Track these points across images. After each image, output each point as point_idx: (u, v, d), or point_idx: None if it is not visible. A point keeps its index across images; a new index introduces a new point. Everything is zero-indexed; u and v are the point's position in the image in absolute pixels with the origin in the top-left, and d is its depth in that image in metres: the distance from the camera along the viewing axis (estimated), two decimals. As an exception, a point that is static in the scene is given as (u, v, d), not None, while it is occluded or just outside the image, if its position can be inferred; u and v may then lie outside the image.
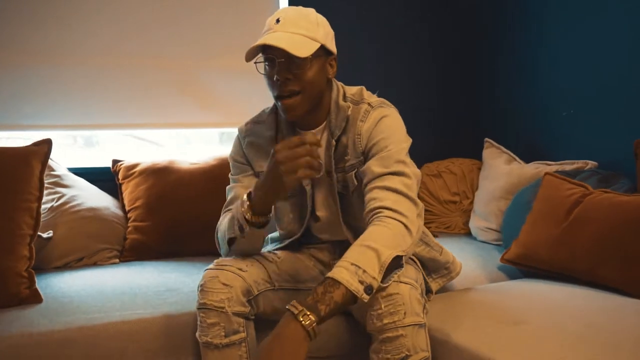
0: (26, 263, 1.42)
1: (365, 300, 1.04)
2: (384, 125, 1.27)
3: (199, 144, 2.53)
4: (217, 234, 1.37)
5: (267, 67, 1.26)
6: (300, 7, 1.28)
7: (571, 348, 1.01)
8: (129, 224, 1.94)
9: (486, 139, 2.30)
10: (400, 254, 1.08)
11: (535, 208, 1.66)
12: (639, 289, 1.31)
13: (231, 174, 1.44)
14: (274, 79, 1.22)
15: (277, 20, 1.24)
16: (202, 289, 1.22)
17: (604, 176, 1.75)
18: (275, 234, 1.54)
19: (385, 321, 1.05)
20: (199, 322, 1.23)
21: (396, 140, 1.24)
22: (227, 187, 1.43)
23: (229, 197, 1.41)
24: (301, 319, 0.99)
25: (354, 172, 1.30)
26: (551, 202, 1.60)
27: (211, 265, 1.27)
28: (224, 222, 1.32)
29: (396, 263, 1.09)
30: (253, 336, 1.26)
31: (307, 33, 1.22)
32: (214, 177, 2.01)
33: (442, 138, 2.51)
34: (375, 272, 1.05)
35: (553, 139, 2.10)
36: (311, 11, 1.28)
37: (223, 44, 2.32)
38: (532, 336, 1.09)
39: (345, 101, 1.32)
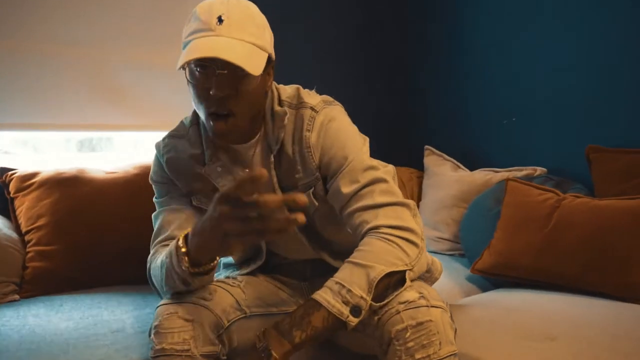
0: None
1: (353, 324, 0.89)
2: (334, 132, 1.06)
3: (102, 149, 2.17)
4: (149, 275, 1.08)
5: (197, 74, 0.98)
6: (239, 0, 1.00)
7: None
8: (28, 249, 1.54)
9: (426, 146, 2.24)
10: (400, 269, 0.92)
11: (505, 215, 1.60)
12: (630, 293, 1.30)
13: (156, 198, 1.17)
14: (211, 92, 0.95)
15: (220, 20, 0.96)
16: (158, 330, 0.95)
17: (557, 182, 1.76)
18: (228, 259, 1.29)
19: (418, 356, 0.87)
20: None
21: (352, 147, 1.05)
22: (153, 215, 1.16)
23: (156, 226, 1.13)
24: (264, 353, 0.88)
25: (310, 190, 1.08)
26: (524, 208, 1.56)
27: (165, 299, 1.00)
28: (156, 265, 1.02)
29: (397, 280, 0.93)
30: None
31: (256, 41, 0.97)
32: (136, 188, 1.68)
33: (376, 146, 2.41)
34: (364, 290, 0.89)
35: (495, 146, 2.10)
36: (254, 8, 1.02)
37: (132, 32, 2.00)
38: (569, 353, 0.98)
39: (281, 106, 1.09)
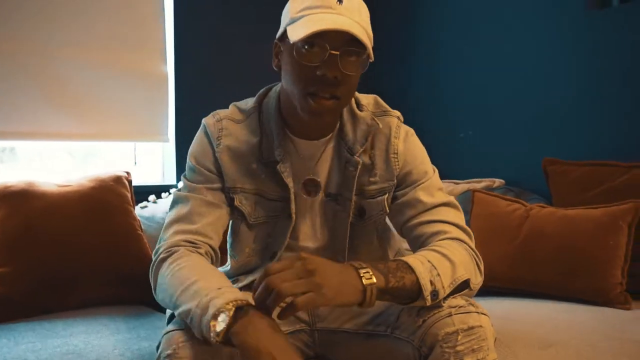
0: None
1: (426, 304, 0.91)
2: (417, 145, 1.11)
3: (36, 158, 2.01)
4: (154, 269, 0.99)
5: (305, 53, 0.95)
6: None
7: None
8: (-27, 272, 1.37)
9: (385, 159, 2.28)
10: (470, 280, 0.96)
11: (474, 226, 1.65)
12: (602, 297, 1.39)
13: (187, 178, 1.09)
14: (319, 72, 0.94)
15: (340, 0, 0.96)
16: (172, 358, 0.86)
17: (517, 193, 1.86)
18: (225, 267, 1.22)
19: None
20: None
21: (429, 164, 1.12)
22: (178, 193, 1.08)
23: (181, 208, 1.04)
24: (362, 274, 0.86)
25: (385, 196, 1.08)
26: (493, 219, 1.63)
27: (174, 325, 0.92)
28: (176, 276, 0.92)
29: (462, 288, 0.95)
30: None
31: (368, 30, 0.98)
32: (94, 202, 1.57)
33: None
34: (447, 282, 0.92)
35: (453, 159, 2.18)
36: (363, 2, 1.02)
37: (89, 42, 1.90)
38: (569, 357, 1.03)
39: (361, 110, 1.10)
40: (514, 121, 2.05)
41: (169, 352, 0.87)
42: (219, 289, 0.86)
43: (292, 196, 1.09)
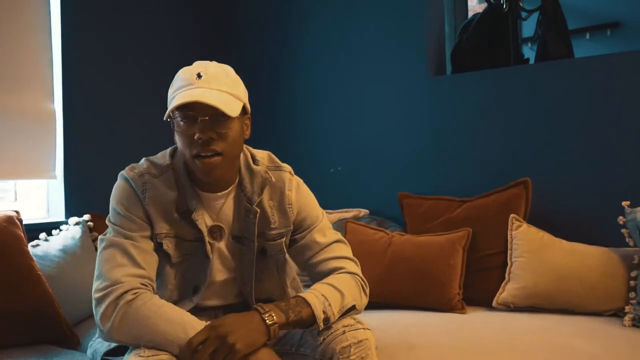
0: None
1: (320, 329, 1.16)
2: (307, 195, 1.35)
3: None
4: (118, 316, 1.11)
5: (183, 124, 1.17)
6: (216, 63, 1.23)
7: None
8: None
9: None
10: (356, 305, 1.22)
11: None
12: (447, 305, 1.78)
13: (117, 224, 1.21)
14: (195, 137, 1.15)
15: (199, 75, 1.17)
16: None
17: (379, 221, 2.23)
18: None
19: None
20: None
21: (318, 209, 1.36)
22: (111, 239, 1.19)
23: (118, 253, 1.16)
24: (266, 317, 1.10)
25: (282, 239, 1.31)
26: (365, 246, 1.95)
27: (136, 356, 1.07)
28: (158, 318, 1.10)
29: (349, 311, 1.22)
30: None
31: (231, 91, 1.19)
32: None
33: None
34: (337, 310, 1.18)
35: (325, 191, 2.47)
36: (228, 68, 1.24)
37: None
38: (427, 353, 1.37)
39: (256, 165, 1.31)
40: (376, 161, 2.41)
41: None
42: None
43: (207, 238, 1.27)
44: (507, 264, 1.82)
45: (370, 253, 1.92)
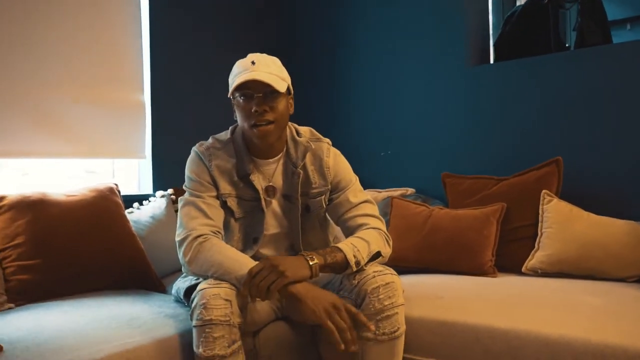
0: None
1: (352, 270, 1.42)
2: (341, 161, 1.64)
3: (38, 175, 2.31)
4: (193, 254, 1.43)
5: (242, 101, 1.48)
6: (265, 54, 1.54)
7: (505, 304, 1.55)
8: (7, 264, 1.71)
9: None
10: (381, 251, 1.48)
11: (393, 224, 2.21)
12: (478, 270, 1.97)
13: (191, 188, 1.54)
14: (252, 110, 1.46)
15: (253, 62, 1.48)
16: (206, 306, 1.31)
17: (424, 199, 2.44)
18: None
19: (386, 303, 1.38)
20: (202, 338, 1.30)
21: (352, 175, 1.64)
22: (188, 198, 1.52)
23: (194, 209, 1.49)
24: (308, 259, 1.37)
25: (322, 197, 1.60)
26: (407, 218, 2.18)
27: (205, 285, 1.37)
28: (215, 256, 1.40)
29: (376, 257, 1.47)
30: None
31: (277, 73, 1.50)
32: (97, 210, 1.95)
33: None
34: (365, 255, 1.44)
35: (375, 172, 2.74)
36: (275, 57, 1.55)
37: (81, 75, 2.25)
38: (454, 304, 1.58)
39: (299, 137, 1.61)
40: (422, 145, 2.63)
41: (203, 302, 1.31)
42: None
43: (262, 196, 1.58)
44: (537, 234, 1.98)
45: (412, 224, 2.14)
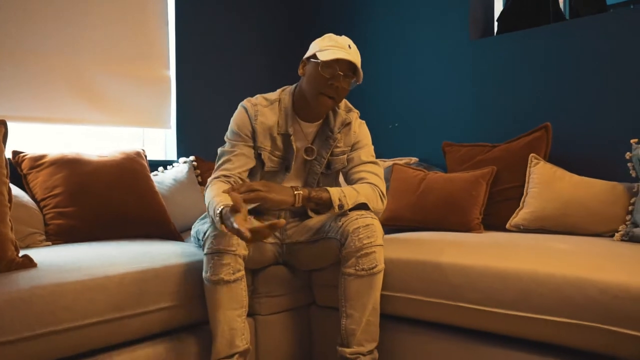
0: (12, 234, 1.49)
1: (335, 212, 1.61)
2: (364, 130, 1.85)
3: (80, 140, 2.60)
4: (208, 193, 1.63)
5: (326, 70, 1.64)
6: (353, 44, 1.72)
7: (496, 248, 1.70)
8: (47, 211, 1.99)
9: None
10: (368, 204, 1.65)
11: (392, 187, 2.38)
12: (466, 227, 2.11)
13: (230, 139, 1.75)
14: (329, 82, 1.65)
15: (349, 47, 1.67)
16: (216, 236, 1.53)
17: (426, 167, 2.59)
18: None
19: (365, 242, 1.57)
20: (210, 265, 1.53)
21: (369, 142, 1.84)
22: (224, 148, 1.75)
23: (226, 156, 1.72)
24: (294, 190, 1.59)
25: (344, 156, 1.80)
26: (404, 181, 2.35)
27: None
28: (212, 193, 1.59)
29: (363, 206, 1.65)
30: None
31: (359, 65, 1.69)
32: (124, 169, 2.20)
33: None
34: (351, 202, 1.62)
35: (383, 143, 2.90)
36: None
37: (114, 52, 2.52)
38: (453, 255, 1.75)
39: (338, 108, 1.81)
40: (425, 118, 2.78)
41: (214, 233, 1.53)
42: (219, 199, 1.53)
43: (294, 155, 1.77)
44: (523, 195, 2.11)
45: (407, 186, 2.31)
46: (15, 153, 2.10)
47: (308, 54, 1.73)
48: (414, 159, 2.71)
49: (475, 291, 1.48)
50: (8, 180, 1.55)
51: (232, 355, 1.54)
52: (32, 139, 2.44)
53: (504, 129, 2.45)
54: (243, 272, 1.58)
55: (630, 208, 1.87)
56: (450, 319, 1.56)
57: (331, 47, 1.65)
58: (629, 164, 1.92)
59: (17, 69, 2.22)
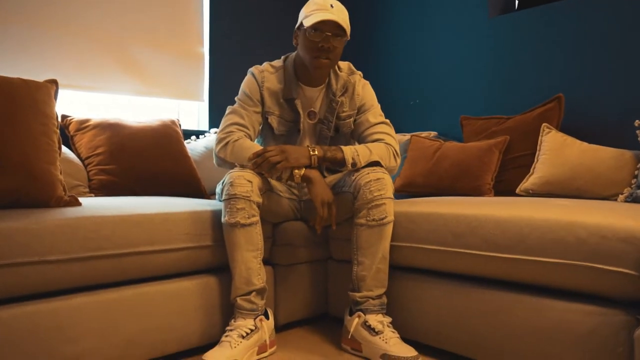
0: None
1: (349, 169, 1.73)
2: (369, 90, 1.94)
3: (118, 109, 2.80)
4: (225, 145, 1.78)
5: (313, 34, 1.74)
6: (339, 2, 1.80)
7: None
8: (90, 168, 2.20)
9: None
10: (381, 162, 1.76)
11: (409, 156, 2.49)
12: (478, 192, 2.21)
13: (241, 100, 1.87)
14: (319, 45, 1.74)
15: (331, 6, 1.74)
16: (232, 184, 1.67)
17: (444, 140, 2.69)
18: None
19: (376, 194, 1.69)
20: (227, 209, 1.68)
21: (376, 101, 1.93)
22: (233, 108, 1.86)
23: (236, 114, 1.84)
24: (310, 150, 1.70)
25: (351, 119, 1.91)
26: (420, 151, 2.46)
27: (234, 170, 1.75)
28: (242, 146, 1.75)
29: (376, 165, 1.77)
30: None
31: (347, 21, 1.79)
32: (160, 134, 2.39)
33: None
34: (364, 160, 1.74)
35: (405, 118, 3.02)
36: (344, 8, 1.83)
37: (155, 30, 2.72)
38: (448, 203, 1.86)
39: (340, 71, 1.91)
40: (444, 94, 2.87)
41: (231, 180, 1.68)
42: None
43: (302, 119, 1.91)
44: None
45: (423, 155, 2.42)
46: (64, 117, 2.31)
47: (297, 24, 1.82)
48: (433, 133, 2.81)
49: (475, 237, 1.58)
50: (58, 131, 1.74)
51: (250, 292, 1.69)
52: (78, 105, 2.66)
53: (521, 103, 2.53)
54: (258, 218, 1.71)
55: (636, 172, 1.93)
56: (451, 265, 1.67)
57: (314, 11, 1.72)
58: (637, 131, 1.98)
59: (69, 41, 2.45)
